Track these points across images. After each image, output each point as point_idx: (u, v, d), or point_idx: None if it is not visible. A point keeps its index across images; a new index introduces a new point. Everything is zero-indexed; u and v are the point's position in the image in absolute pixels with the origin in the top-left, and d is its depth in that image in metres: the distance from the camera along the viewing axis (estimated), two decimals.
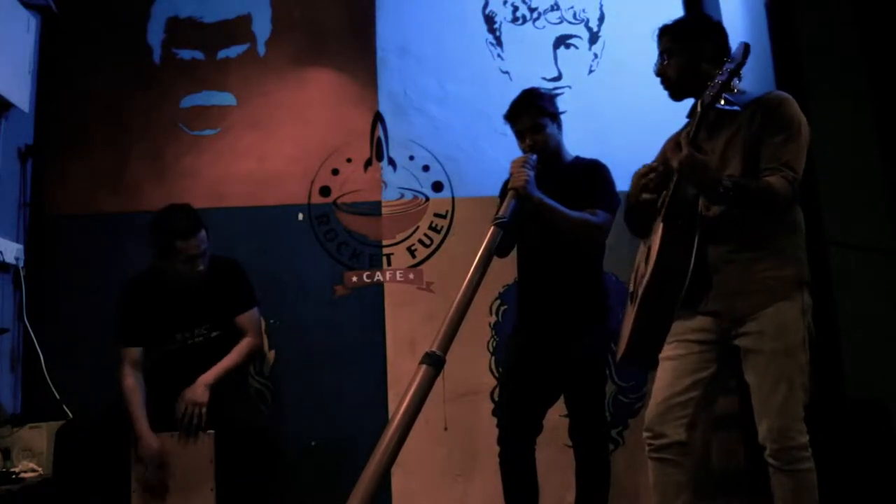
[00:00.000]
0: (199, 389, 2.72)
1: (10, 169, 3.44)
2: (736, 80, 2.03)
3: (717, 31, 2.29)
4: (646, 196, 2.24)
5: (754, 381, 2.08)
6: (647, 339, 2.21)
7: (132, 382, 2.81)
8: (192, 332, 2.90)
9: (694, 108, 2.20)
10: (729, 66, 2.00)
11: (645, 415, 2.23)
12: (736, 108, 2.05)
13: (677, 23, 2.33)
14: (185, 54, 3.76)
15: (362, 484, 1.43)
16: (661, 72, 2.30)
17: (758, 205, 2.08)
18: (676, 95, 2.30)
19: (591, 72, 3.84)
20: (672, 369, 2.18)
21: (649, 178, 2.23)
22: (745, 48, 2.01)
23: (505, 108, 2.84)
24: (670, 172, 2.16)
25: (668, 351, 2.21)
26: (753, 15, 3.50)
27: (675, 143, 2.11)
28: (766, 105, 2.14)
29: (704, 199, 2.14)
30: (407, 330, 3.51)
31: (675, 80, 2.27)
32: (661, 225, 2.17)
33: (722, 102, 2.01)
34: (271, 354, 3.44)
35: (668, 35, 2.30)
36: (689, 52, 2.24)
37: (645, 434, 2.18)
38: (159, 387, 2.81)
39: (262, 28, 3.80)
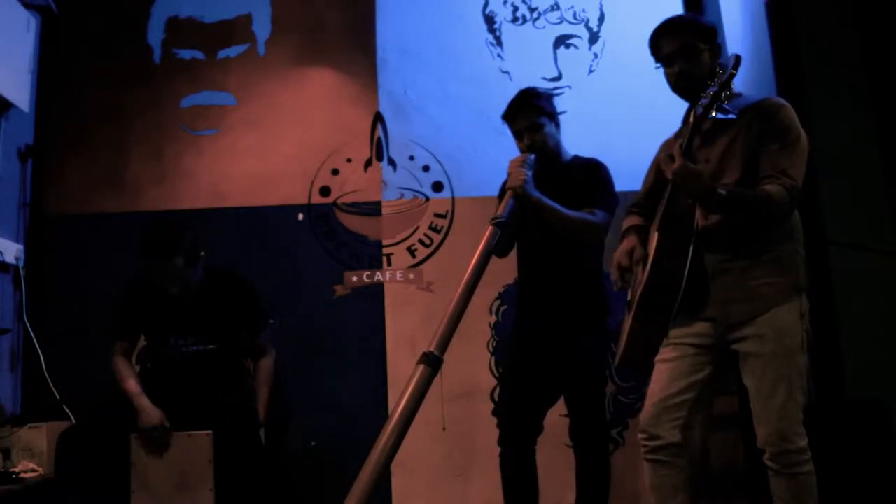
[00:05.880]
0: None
1: (10, 169, 3.45)
2: (727, 91, 2.02)
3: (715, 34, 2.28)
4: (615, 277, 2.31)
5: (753, 385, 2.07)
6: (642, 346, 2.21)
7: (122, 362, 2.85)
8: (185, 339, 2.89)
9: (687, 115, 2.19)
10: (721, 78, 1.99)
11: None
12: (731, 116, 2.04)
13: (700, 21, 2.31)
14: (185, 54, 3.77)
15: (359, 484, 1.43)
16: (685, 70, 2.19)
17: (755, 214, 2.07)
18: (691, 95, 2.19)
19: (591, 72, 3.84)
20: (667, 371, 2.18)
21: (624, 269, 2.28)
22: (737, 60, 2.00)
23: (505, 108, 2.83)
24: (664, 180, 2.16)
25: (663, 354, 2.21)
26: (753, 15, 3.50)
27: (668, 154, 2.10)
28: (763, 112, 2.12)
29: (701, 208, 2.13)
30: (407, 330, 3.52)
31: (700, 78, 2.14)
32: (656, 234, 2.17)
33: (714, 112, 2.01)
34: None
35: (695, 32, 2.22)
36: (710, 53, 2.20)
37: (640, 436, 2.18)
38: (154, 392, 2.81)
39: (262, 28, 3.81)
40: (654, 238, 2.17)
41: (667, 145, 2.37)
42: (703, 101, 2.01)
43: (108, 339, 2.93)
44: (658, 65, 2.29)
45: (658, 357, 2.21)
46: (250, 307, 2.97)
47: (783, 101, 2.16)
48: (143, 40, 3.77)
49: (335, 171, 3.70)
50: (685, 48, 2.20)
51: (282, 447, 3.06)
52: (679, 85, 2.23)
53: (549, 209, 2.58)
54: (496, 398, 3.43)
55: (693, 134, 2.06)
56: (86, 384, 3.18)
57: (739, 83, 2.28)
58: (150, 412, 2.70)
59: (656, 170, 2.40)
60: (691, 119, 2.07)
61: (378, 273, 3.62)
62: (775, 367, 2.04)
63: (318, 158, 3.70)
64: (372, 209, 3.67)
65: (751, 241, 2.11)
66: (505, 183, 2.61)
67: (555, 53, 3.85)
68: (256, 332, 2.98)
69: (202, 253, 2.87)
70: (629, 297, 2.34)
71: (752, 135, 2.11)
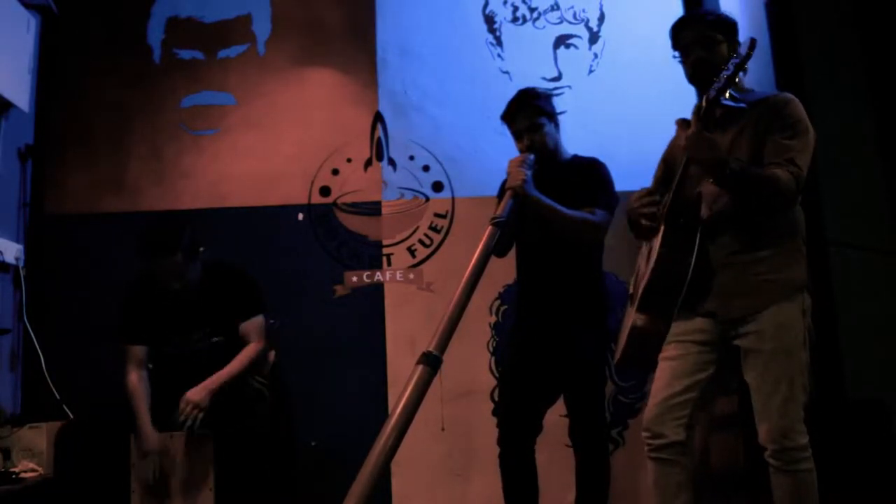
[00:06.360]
0: (202, 393, 2.70)
1: (10, 169, 3.45)
2: (741, 75, 2.01)
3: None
4: (645, 223, 2.24)
5: (754, 382, 2.07)
6: (643, 342, 2.20)
7: (136, 380, 2.82)
8: (190, 335, 2.89)
9: (699, 104, 2.18)
10: (734, 61, 1.98)
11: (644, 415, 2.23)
12: (742, 105, 2.04)
13: (722, 15, 2.32)
14: (185, 54, 3.77)
15: (359, 484, 1.43)
16: (703, 57, 2.20)
17: (761, 192, 2.06)
18: (707, 85, 2.12)
19: (591, 72, 3.84)
20: (670, 370, 2.17)
21: (646, 202, 2.23)
22: (752, 42, 1.99)
23: (504, 108, 2.83)
24: (673, 173, 2.15)
25: (667, 351, 2.20)
26: (753, 15, 3.50)
27: (682, 119, 2.09)
28: (773, 105, 2.14)
29: (710, 178, 2.11)
30: (407, 330, 3.52)
31: (717, 68, 2.09)
32: (661, 226, 2.16)
33: (727, 96, 2.00)
34: (271, 354, 3.43)
35: (715, 24, 2.25)
36: (728, 45, 2.21)
37: (644, 434, 2.18)
38: (161, 389, 2.81)
39: (262, 28, 3.81)
40: (660, 229, 2.17)
41: (676, 137, 2.36)
42: (717, 85, 2.00)
43: (115, 343, 2.92)
44: (676, 54, 2.29)
45: (662, 355, 2.21)
46: (241, 296, 2.94)
47: (792, 97, 2.17)
48: (143, 40, 3.77)
49: (335, 171, 3.70)
50: (704, 37, 2.21)
51: (288, 446, 3.06)
52: (696, 73, 2.23)
53: (548, 209, 2.58)
54: (496, 398, 3.43)
55: (706, 116, 2.05)
56: (86, 384, 3.19)
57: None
58: (150, 438, 2.69)
59: (665, 163, 2.40)
60: (703, 103, 2.06)
61: (378, 273, 3.62)
62: (777, 364, 2.04)
63: (318, 158, 3.70)
64: (372, 209, 3.67)
65: (755, 235, 2.11)
66: (504, 183, 2.61)
67: (555, 53, 3.85)
68: (241, 318, 2.92)
69: (201, 248, 2.88)
70: (631, 291, 2.34)
71: (761, 127, 2.12)
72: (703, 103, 2.06)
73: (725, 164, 2.01)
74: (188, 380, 2.82)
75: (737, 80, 2.01)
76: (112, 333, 2.94)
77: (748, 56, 1.98)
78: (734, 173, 2.01)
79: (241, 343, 2.91)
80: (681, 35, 2.27)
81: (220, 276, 2.93)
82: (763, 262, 2.10)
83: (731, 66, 1.99)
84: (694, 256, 2.11)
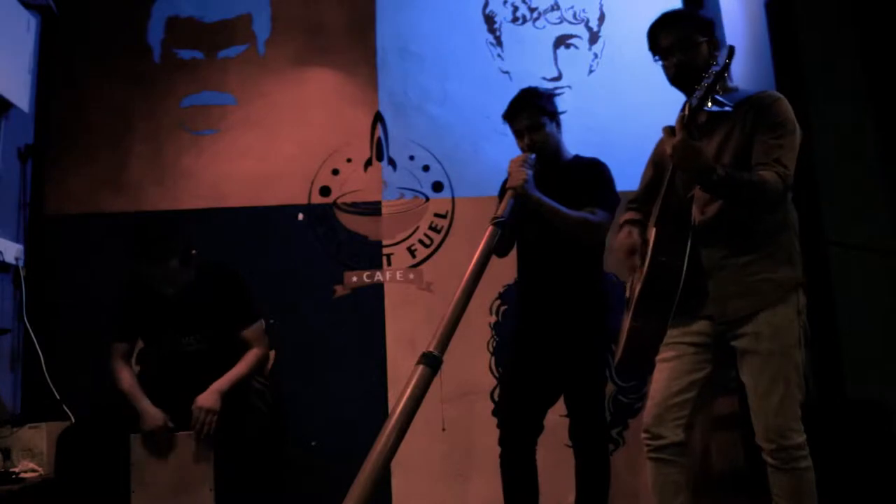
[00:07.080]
0: (213, 397, 2.72)
1: (10, 169, 3.44)
2: (721, 83, 2.02)
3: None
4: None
5: (751, 382, 2.08)
6: (642, 345, 2.21)
7: (121, 364, 2.86)
8: (181, 339, 2.89)
9: (683, 108, 2.19)
10: (715, 69, 1.98)
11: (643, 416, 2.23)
12: (727, 108, 2.04)
13: (698, 14, 2.31)
14: (185, 54, 3.77)
15: (359, 484, 1.43)
16: (683, 61, 2.20)
17: (750, 196, 2.06)
18: (689, 87, 2.13)
19: (591, 72, 3.84)
20: (668, 371, 2.18)
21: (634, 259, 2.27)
22: (730, 50, 2.00)
23: (505, 108, 2.83)
24: (662, 176, 2.16)
25: (663, 353, 2.21)
26: (753, 15, 3.49)
27: (668, 127, 2.09)
28: (759, 104, 2.14)
29: (698, 185, 2.12)
30: (407, 330, 3.52)
31: (698, 70, 2.11)
32: (653, 230, 2.17)
33: (710, 104, 2.00)
34: (271, 354, 3.43)
35: (692, 24, 2.25)
36: (708, 45, 2.21)
37: (643, 435, 2.19)
38: (154, 393, 2.81)
39: (262, 28, 3.81)
40: (652, 233, 2.17)
41: (663, 141, 2.36)
42: (698, 94, 2.00)
43: (107, 339, 2.93)
44: (656, 58, 2.29)
45: (658, 357, 2.22)
46: (235, 301, 2.93)
47: (779, 95, 2.17)
48: (143, 40, 3.77)
49: (335, 171, 3.70)
50: (683, 40, 2.20)
51: (283, 447, 3.05)
52: (677, 77, 2.23)
53: (549, 209, 2.58)
54: (496, 398, 3.43)
55: (689, 124, 2.06)
56: (86, 384, 3.18)
57: (738, 80, 2.28)
58: (153, 415, 2.71)
59: (653, 165, 2.41)
60: (686, 111, 2.06)
61: (378, 273, 3.62)
62: (773, 364, 2.04)
63: (318, 158, 3.71)
64: (372, 209, 3.67)
65: (747, 236, 2.11)
66: (505, 182, 2.61)
67: (555, 53, 3.85)
68: (242, 325, 2.93)
69: (194, 251, 2.87)
70: (627, 295, 2.34)
71: (747, 126, 2.12)
72: (686, 111, 2.07)
73: (712, 171, 2.01)
74: (178, 383, 2.82)
75: (717, 87, 2.01)
76: (106, 332, 2.95)
77: (727, 65, 1.98)
78: (721, 179, 2.01)
79: (231, 350, 2.90)
80: (659, 38, 2.25)
81: (214, 280, 2.92)
82: (756, 264, 2.11)
83: (711, 75, 1.98)
84: (686, 261, 2.11)
